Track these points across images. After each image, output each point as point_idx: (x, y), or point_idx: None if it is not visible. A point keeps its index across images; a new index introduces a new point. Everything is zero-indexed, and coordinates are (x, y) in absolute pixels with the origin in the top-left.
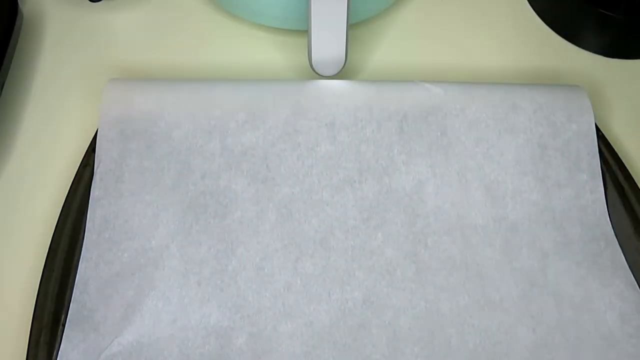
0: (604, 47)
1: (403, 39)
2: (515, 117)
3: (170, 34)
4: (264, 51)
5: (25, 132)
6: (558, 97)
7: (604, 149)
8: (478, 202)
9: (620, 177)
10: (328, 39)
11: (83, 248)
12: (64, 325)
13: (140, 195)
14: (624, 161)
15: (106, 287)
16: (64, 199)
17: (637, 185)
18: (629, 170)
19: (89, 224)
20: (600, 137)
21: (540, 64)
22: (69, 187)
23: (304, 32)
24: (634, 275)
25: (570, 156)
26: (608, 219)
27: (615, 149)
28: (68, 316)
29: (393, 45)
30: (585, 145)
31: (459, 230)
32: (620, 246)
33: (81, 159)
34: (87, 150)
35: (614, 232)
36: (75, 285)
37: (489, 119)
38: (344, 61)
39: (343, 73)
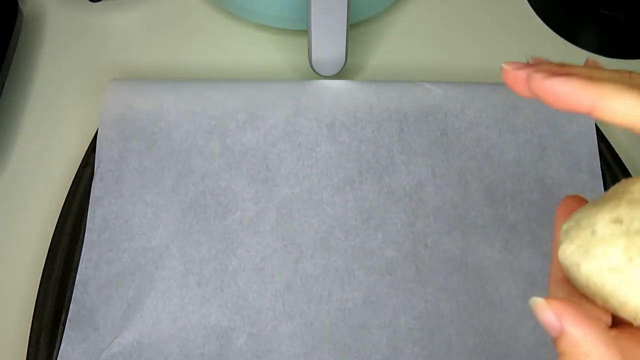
0: (604, 47)
1: (403, 39)
2: (515, 117)
3: (170, 34)
4: (264, 51)
5: (25, 132)
6: None
7: (604, 149)
8: (478, 202)
9: (620, 177)
10: (328, 39)
11: (83, 248)
12: (64, 325)
13: (140, 195)
14: (624, 161)
15: (106, 287)
16: (64, 199)
17: None
18: (629, 171)
19: (89, 224)
20: (600, 137)
21: None
22: (69, 187)
23: (304, 32)
24: None
25: (570, 156)
26: None
27: (615, 149)
28: (68, 316)
29: (393, 45)
30: (585, 146)
31: (459, 230)
32: None
33: (81, 159)
34: (87, 150)
35: None
36: (75, 285)
37: (489, 119)
38: (344, 61)
39: (343, 73)
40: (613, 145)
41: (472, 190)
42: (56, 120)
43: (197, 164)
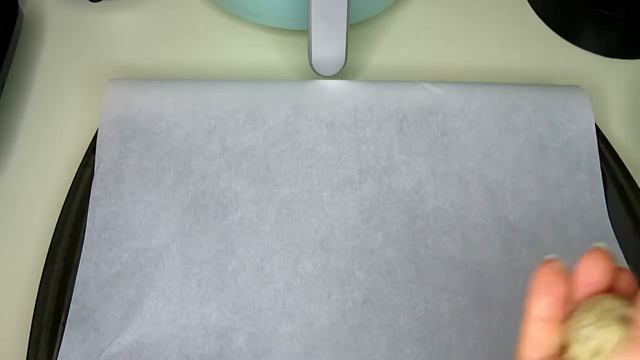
0: (604, 47)
1: (403, 39)
2: (515, 117)
3: (171, 34)
4: (264, 51)
5: (25, 132)
6: (558, 98)
7: (604, 149)
8: (478, 202)
9: (620, 177)
10: (328, 39)
11: (83, 248)
12: (64, 325)
13: (140, 196)
14: (624, 161)
15: (106, 287)
16: (64, 199)
17: (637, 185)
18: (629, 170)
19: (89, 224)
20: (600, 137)
21: (540, 64)
22: (69, 187)
23: (304, 32)
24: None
25: (570, 156)
26: (608, 219)
27: (615, 149)
28: (68, 316)
29: (393, 45)
30: (585, 146)
31: (459, 230)
32: (620, 246)
33: (81, 159)
34: (87, 150)
35: (614, 232)
36: (75, 285)
37: (489, 119)
38: (344, 61)
39: (343, 73)
40: (613, 145)
41: (472, 190)
42: (56, 121)
43: (197, 164)
